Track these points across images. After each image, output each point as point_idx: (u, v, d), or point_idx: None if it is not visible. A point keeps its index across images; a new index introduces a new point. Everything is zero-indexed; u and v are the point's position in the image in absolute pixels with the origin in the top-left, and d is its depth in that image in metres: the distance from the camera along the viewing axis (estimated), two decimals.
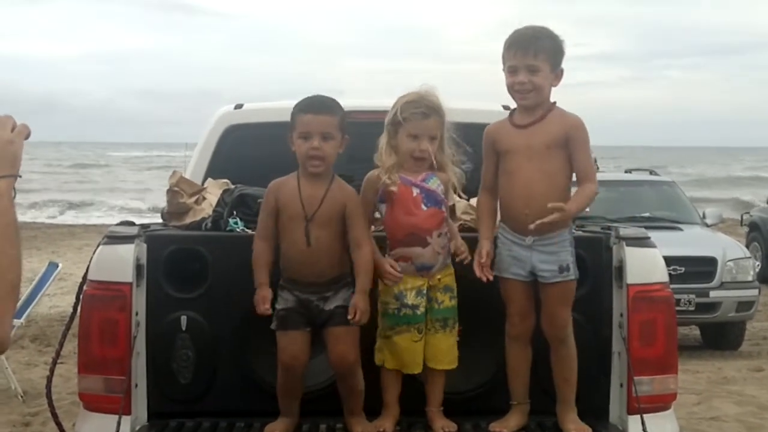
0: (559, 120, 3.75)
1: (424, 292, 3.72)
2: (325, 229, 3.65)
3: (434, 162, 3.77)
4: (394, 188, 3.71)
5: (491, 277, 3.71)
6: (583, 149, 3.75)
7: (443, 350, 3.76)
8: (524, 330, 3.77)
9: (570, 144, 3.73)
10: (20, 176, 2.31)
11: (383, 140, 3.79)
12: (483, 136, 3.86)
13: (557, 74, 3.78)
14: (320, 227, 3.64)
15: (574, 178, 3.82)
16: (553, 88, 3.79)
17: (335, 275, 3.67)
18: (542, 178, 3.70)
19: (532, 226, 3.60)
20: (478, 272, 3.71)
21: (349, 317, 3.60)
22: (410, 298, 3.71)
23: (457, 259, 3.77)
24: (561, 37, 3.80)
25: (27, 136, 2.34)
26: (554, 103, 3.80)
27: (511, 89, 3.76)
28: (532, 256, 3.71)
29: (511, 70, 3.75)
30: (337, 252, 3.67)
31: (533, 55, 3.71)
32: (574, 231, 3.87)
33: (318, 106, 3.72)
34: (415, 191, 3.74)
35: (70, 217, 31.38)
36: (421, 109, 3.73)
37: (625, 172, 16.31)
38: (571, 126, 3.75)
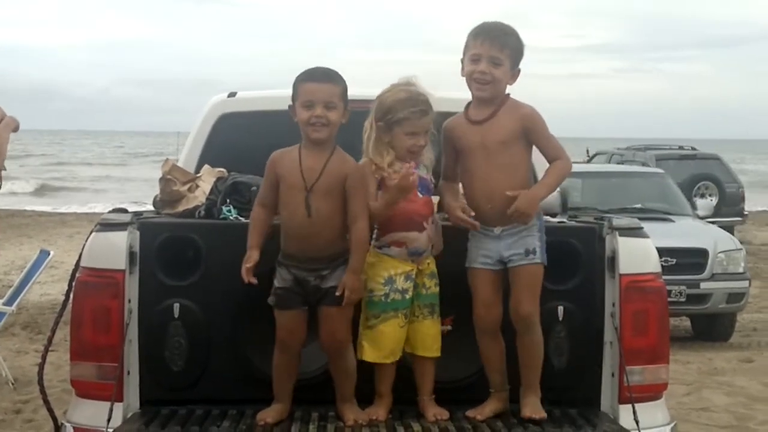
0: (512, 114, 3.79)
1: (413, 277, 3.75)
2: (325, 200, 3.64)
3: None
4: (413, 177, 3.66)
5: (476, 225, 3.73)
6: (544, 135, 3.81)
7: (432, 336, 3.78)
8: (490, 321, 3.78)
9: (530, 135, 3.79)
10: (5, 170, 2.27)
11: (374, 137, 3.78)
12: (442, 131, 3.87)
13: (514, 73, 3.83)
14: (320, 198, 3.64)
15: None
16: (509, 86, 3.83)
17: (334, 251, 3.66)
18: (500, 173, 3.74)
19: (510, 212, 3.64)
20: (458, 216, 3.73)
21: (337, 293, 3.61)
22: (400, 283, 3.72)
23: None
24: (524, 41, 3.85)
25: (15, 129, 2.29)
26: (507, 95, 3.83)
27: (470, 77, 3.80)
28: (500, 244, 3.75)
29: (473, 59, 3.78)
30: (337, 226, 3.66)
31: (499, 48, 3.76)
32: (544, 219, 3.88)
33: (321, 75, 3.73)
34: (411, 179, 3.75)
35: None
36: (419, 107, 3.76)
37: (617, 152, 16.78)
38: (525, 117, 3.79)
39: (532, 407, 3.71)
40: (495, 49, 3.75)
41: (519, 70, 3.84)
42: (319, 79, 3.70)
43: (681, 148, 19.40)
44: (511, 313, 3.75)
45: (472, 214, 3.76)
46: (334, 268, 3.66)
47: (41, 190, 37.45)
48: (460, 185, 3.91)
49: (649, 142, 20.26)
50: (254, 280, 3.66)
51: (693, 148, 19.24)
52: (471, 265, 3.79)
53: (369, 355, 3.74)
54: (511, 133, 3.76)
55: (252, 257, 3.66)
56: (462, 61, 3.84)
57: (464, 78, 3.83)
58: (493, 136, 3.76)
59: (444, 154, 3.90)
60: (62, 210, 28.18)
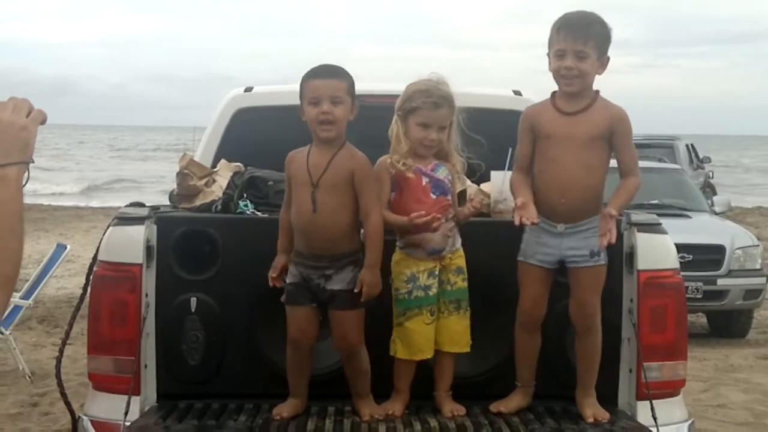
0: (603, 111, 3.72)
1: (436, 273, 3.73)
2: (331, 195, 3.63)
3: (442, 150, 3.79)
4: (410, 174, 3.70)
5: (535, 220, 3.60)
6: (627, 142, 3.75)
7: (459, 332, 3.76)
8: (534, 318, 3.76)
9: (615, 137, 3.71)
10: (33, 162, 2.27)
11: (395, 127, 3.79)
12: (521, 118, 3.82)
13: (603, 62, 3.73)
14: (326, 193, 3.63)
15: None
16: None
17: (340, 251, 3.65)
18: (583, 169, 3.68)
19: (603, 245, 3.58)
20: (516, 220, 3.60)
21: (356, 290, 3.61)
22: (422, 280, 3.71)
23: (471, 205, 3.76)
24: (609, 24, 3.76)
25: (43, 122, 2.29)
26: (597, 91, 3.76)
27: (557, 74, 3.72)
28: (561, 243, 3.69)
29: (558, 54, 3.70)
30: (343, 223, 3.65)
31: (583, 41, 3.66)
32: None
33: (325, 71, 3.73)
34: (425, 180, 3.75)
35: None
36: (432, 99, 3.73)
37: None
38: (616, 119, 3.72)
39: (594, 409, 3.70)
40: (579, 43, 3.66)
41: (608, 58, 3.73)
42: (324, 76, 3.70)
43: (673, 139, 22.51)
44: (573, 313, 3.71)
45: (536, 221, 3.61)
46: (339, 269, 3.65)
47: (89, 191, 36.39)
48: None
49: (659, 138, 22.51)
50: (280, 283, 3.69)
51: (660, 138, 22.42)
52: (526, 260, 3.73)
53: (401, 352, 3.73)
54: (601, 131, 3.68)
55: (279, 262, 3.69)
56: (548, 55, 3.76)
57: (551, 73, 3.75)
58: (583, 129, 3.68)
59: (520, 141, 3.81)
60: (78, 203, 28.28)
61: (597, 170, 3.72)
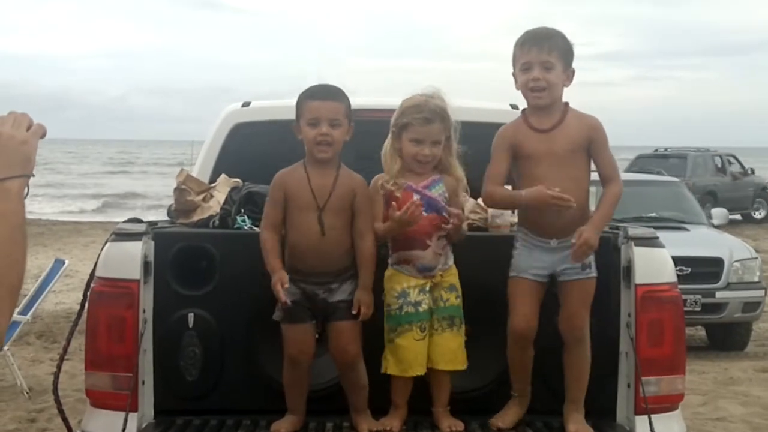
0: (578, 123, 3.74)
1: (427, 290, 3.73)
2: (337, 217, 3.67)
3: (441, 163, 3.79)
4: (398, 194, 3.71)
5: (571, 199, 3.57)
6: (605, 149, 3.77)
7: (452, 349, 3.75)
8: (529, 332, 3.75)
9: (593, 146, 3.73)
10: (33, 175, 2.29)
11: (388, 144, 3.80)
12: (496, 137, 3.81)
13: (568, 74, 3.76)
14: (333, 216, 3.66)
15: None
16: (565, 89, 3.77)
17: (343, 266, 3.69)
18: (570, 183, 3.68)
19: (572, 261, 3.61)
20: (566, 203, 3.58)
21: (354, 312, 3.63)
22: (413, 296, 3.71)
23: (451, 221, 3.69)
24: (571, 40, 3.79)
25: (43, 136, 2.31)
26: (567, 103, 3.78)
27: (525, 87, 3.73)
28: (554, 257, 3.70)
29: (524, 68, 3.72)
30: (347, 241, 3.69)
31: (548, 51, 3.69)
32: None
33: (325, 93, 3.74)
34: (415, 197, 3.73)
35: None
36: (423, 114, 3.72)
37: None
38: (592, 128, 3.74)
39: (579, 424, 3.69)
40: (544, 54, 3.68)
41: (573, 71, 3.76)
42: (324, 97, 3.71)
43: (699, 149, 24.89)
44: (562, 326, 3.72)
45: (557, 189, 3.59)
46: (342, 282, 3.67)
47: (89, 206, 35.89)
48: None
49: (686, 150, 24.96)
50: (289, 301, 3.61)
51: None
52: (520, 275, 3.72)
53: (392, 368, 3.73)
54: (579, 143, 3.71)
55: (284, 277, 3.61)
56: (513, 74, 3.78)
57: (519, 90, 3.76)
58: (562, 144, 3.69)
59: (497, 160, 3.79)
60: (78, 219, 28.30)
61: (582, 182, 3.74)
